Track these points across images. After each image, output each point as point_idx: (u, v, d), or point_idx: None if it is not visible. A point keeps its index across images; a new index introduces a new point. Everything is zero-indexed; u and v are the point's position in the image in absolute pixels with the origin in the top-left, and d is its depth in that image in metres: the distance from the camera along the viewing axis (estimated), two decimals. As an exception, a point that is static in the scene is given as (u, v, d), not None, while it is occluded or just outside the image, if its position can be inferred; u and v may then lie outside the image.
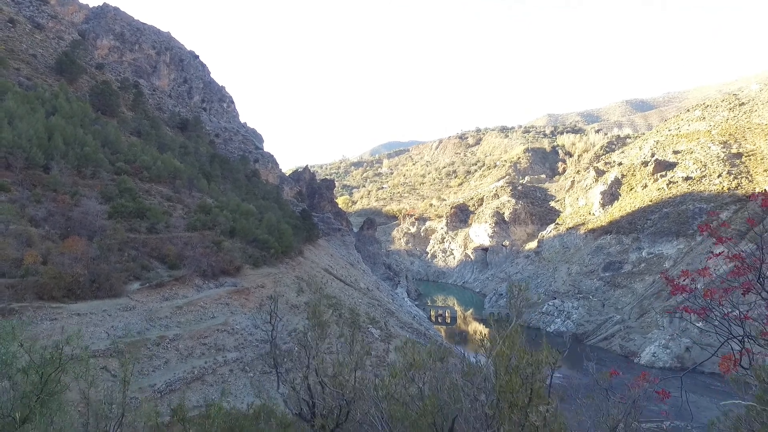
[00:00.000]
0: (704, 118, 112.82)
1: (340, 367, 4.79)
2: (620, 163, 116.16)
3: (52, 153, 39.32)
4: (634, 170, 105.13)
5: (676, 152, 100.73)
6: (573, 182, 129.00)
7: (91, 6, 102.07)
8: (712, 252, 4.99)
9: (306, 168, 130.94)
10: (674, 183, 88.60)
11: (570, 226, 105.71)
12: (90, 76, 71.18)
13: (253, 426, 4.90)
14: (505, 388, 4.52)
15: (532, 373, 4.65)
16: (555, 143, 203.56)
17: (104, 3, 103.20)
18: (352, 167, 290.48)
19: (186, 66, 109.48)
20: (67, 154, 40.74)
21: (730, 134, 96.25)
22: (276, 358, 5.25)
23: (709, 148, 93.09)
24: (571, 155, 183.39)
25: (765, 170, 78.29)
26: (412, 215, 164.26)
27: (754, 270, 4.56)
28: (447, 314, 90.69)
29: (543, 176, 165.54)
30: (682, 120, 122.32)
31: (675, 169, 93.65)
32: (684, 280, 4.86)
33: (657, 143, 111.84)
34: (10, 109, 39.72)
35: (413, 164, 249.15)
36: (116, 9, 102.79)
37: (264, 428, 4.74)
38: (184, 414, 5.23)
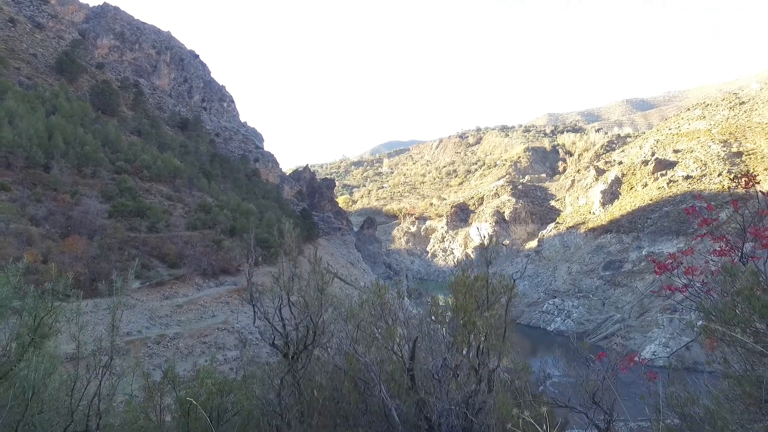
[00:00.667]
0: (704, 117, 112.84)
1: (306, 287, 5.06)
2: (620, 162, 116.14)
3: (52, 152, 39.37)
4: (634, 169, 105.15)
5: (676, 151, 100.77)
6: (573, 181, 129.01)
7: (91, 5, 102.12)
8: (715, 249, 5.06)
9: (306, 167, 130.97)
10: (674, 182, 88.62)
11: (570, 225, 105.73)
12: (90, 75, 71.24)
13: (242, 388, 5.09)
14: (461, 308, 4.83)
15: (486, 297, 4.99)
16: (555, 142, 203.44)
17: (104, 2, 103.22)
18: (353, 167, 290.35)
19: (186, 65, 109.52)
20: (68, 154, 40.79)
21: (730, 133, 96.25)
22: (252, 293, 5.43)
23: (710, 147, 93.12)
24: (571, 154, 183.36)
25: (765, 169, 78.27)
26: (412, 214, 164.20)
27: (736, 250, 4.67)
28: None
29: (543, 175, 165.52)
30: (682, 119, 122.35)
31: (675, 168, 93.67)
32: (669, 262, 5.01)
33: (657, 142, 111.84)
34: (11, 108, 39.77)
35: (413, 164, 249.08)
36: (116, 8, 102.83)
37: (253, 389, 4.94)
38: (175, 376, 5.40)
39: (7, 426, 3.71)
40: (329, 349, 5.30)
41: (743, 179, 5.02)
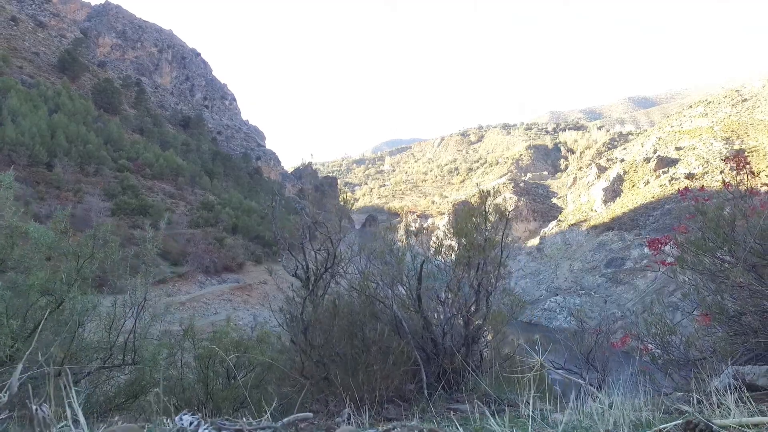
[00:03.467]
0: (706, 114, 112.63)
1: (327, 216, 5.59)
2: (622, 160, 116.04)
3: (55, 150, 39.53)
4: (636, 167, 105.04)
5: (678, 149, 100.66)
6: (575, 179, 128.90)
7: (93, 4, 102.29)
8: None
9: (308, 165, 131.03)
10: (676, 179, 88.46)
11: (572, 222, 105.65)
12: (92, 73, 71.40)
13: (256, 346, 5.63)
14: (461, 232, 5.40)
15: (485, 222, 5.47)
16: (557, 140, 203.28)
17: (106, 1, 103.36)
18: (354, 165, 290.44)
19: (188, 64, 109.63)
20: (70, 152, 40.95)
21: (732, 130, 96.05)
22: (276, 233, 5.89)
23: (711, 144, 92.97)
24: (573, 152, 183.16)
25: (767, 166, 78.10)
26: (414, 212, 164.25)
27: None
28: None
29: (545, 173, 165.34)
30: (684, 116, 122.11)
31: (677, 166, 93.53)
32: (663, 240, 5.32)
33: (659, 140, 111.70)
34: (13, 106, 39.91)
35: (415, 161, 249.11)
36: (118, 7, 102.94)
37: (266, 348, 5.41)
38: (194, 333, 5.90)
39: (56, 358, 4.00)
40: (346, 275, 5.72)
41: (733, 161, 5.15)
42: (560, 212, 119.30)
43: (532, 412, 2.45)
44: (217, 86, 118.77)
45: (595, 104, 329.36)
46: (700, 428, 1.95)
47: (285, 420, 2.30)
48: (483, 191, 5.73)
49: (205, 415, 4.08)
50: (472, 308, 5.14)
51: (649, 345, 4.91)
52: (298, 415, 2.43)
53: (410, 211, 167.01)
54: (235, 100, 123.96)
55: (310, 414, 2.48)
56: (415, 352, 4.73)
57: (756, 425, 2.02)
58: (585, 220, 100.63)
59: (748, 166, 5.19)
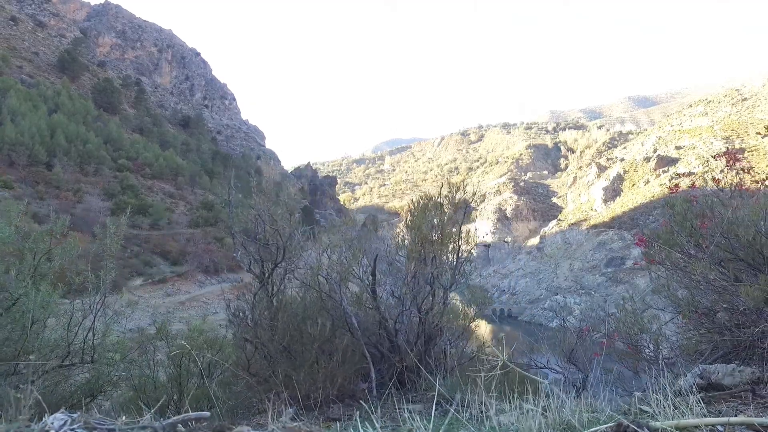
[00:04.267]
0: (706, 113, 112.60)
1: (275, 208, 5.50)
2: (622, 159, 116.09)
3: (54, 150, 39.52)
4: (636, 166, 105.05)
5: (678, 148, 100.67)
6: (575, 178, 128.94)
7: (92, 4, 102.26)
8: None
9: (308, 165, 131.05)
10: (676, 178, 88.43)
11: (572, 222, 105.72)
12: (92, 73, 71.39)
13: (231, 344, 5.60)
14: (413, 225, 5.22)
15: (441, 216, 5.32)
16: (557, 139, 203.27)
17: (106, 1, 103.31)
18: (354, 164, 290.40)
19: (188, 63, 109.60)
20: (70, 152, 40.94)
21: (732, 129, 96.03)
22: (231, 225, 5.83)
23: (712, 143, 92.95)
24: (573, 151, 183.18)
25: (767, 165, 78.11)
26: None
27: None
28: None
29: (545, 172, 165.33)
30: (684, 116, 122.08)
31: (677, 165, 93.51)
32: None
33: (659, 139, 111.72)
34: (13, 106, 39.90)
35: (415, 161, 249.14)
36: (118, 7, 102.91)
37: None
38: (167, 332, 5.88)
39: (8, 355, 4.00)
40: (298, 269, 5.58)
41: (724, 156, 5.16)
42: (560, 212, 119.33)
43: (483, 412, 2.45)
44: (217, 86, 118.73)
45: (595, 103, 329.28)
46: (630, 431, 1.95)
47: (172, 419, 2.22)
48: (451, 184, 5.62)
49: (168, 414, 4.11)
50: (428, 304, 5.01)
51: (620, 343, 4.94)
52: (191, 414, 2.36)
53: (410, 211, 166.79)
54: (235, 99, 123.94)
55: (207, 413, 2.43)
56: (365, 349, 4.62)
57: (696, 427, 2.02)
58: (585, 220, 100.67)
59: (739, 162, 5.19)
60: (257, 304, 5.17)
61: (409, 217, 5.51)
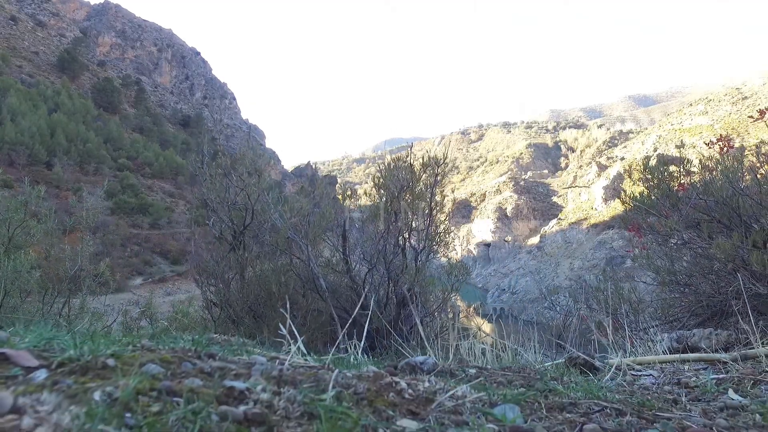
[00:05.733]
0: (707, 112, 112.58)
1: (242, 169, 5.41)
2: (623, 158, 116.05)
3: (54, 149, 39.52)
4: (636, 165, 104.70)
5: (678, 146, 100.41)
6: (575, 177, 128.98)
7: (92, 3, 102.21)
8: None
9: (308, 164, 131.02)
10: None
11: (572, 221, 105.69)
12: (92, 73, 71.38)
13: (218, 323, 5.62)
14: (383, 183, 5.34)
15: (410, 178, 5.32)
16: (557, 138, 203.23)
17: (106, 0, 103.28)
18: (354, 164, 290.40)
19: (188, 63, 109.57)
20: (70, 151, 40.93)
21: (732, 128, 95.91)
22: (205, 197, 5.83)
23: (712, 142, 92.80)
24: (573, 150, 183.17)
25: (768, 164, 77.94)
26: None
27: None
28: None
29: (545, 171, 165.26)
30: (684, 114, 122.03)
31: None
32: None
33: (659, 138, 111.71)
34: (13, 106, 39.89)
35: (415, 160, 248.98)
36: (118, 6, 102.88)
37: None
38: (152, 313, 5.96)
39: None
40: (268, 232, 5.53)
41: (718, 143, 5.21)
42: (560, 211, 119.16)
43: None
44: (217, 85, 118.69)
45: (596, 102, 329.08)
46: (579, 362, 2.17)
47: None
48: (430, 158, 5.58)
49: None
50: (398, 265, 4.91)
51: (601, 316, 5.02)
52: None
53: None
54: (235, 99, 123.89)
55: None
56: (333, 311, 4.57)
57: (640, 364, 2.22)
58: (585, 219, 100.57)
59: (732, 149, 5.26)
60: (226, 266, 5.11)
61: (379, 177, 5.41)
